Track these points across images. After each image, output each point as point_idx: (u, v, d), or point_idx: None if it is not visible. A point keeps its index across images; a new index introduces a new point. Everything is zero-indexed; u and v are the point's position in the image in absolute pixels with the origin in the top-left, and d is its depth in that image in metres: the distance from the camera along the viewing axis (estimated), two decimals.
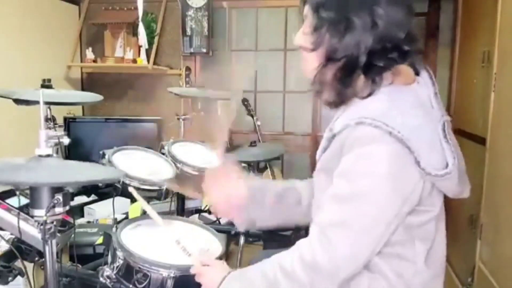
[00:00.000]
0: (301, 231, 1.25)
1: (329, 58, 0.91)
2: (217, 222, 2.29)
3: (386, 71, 0.89)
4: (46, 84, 1.71)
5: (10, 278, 1.28)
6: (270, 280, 0.91)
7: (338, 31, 0.88)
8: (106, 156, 1.64)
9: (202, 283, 1.08)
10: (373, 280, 0.93)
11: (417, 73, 0.95)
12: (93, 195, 2.98)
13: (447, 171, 0.83)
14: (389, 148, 0.81)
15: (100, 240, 2.10)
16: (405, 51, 0.89)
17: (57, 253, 1.12)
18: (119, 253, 1.24)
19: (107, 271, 1.25)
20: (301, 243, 0.91)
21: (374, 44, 0.87)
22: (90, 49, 3.42)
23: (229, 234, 2.09)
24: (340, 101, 0.93)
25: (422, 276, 0.94)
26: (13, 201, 1.26)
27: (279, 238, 2.24)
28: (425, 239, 0.94)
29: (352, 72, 0.89)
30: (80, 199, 2.90)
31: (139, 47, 3.29)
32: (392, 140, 0.81)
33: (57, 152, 1.21)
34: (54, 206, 1.03)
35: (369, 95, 0.89)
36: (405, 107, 0.86)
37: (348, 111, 0.91)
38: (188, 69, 3.34)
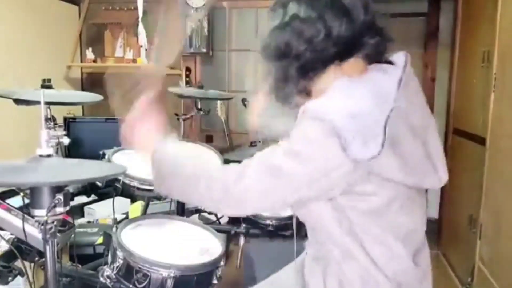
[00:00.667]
0: (301, 230, 1.24)
1: (275, 58, 0.96)
2: (217, 222, 2.28)
3: (321, 72, 0.92)
4: (46, 84, 1.71)
5: (10, 278, 1.28)
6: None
7: (273, 31, 0.93)
8: (106, 156, 1.65)
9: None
10: (351, 267, 0.95)
11: (388, 62, 0.95)
12: (93, 195, 2.98)
13: (371, 156, 0.84)
14: (319, 128, 0.85)
15: (100, 240, 2.10)
16: (347, 49, 0.91)
17: (57, 253, 1.12)
18: (119, 253, 1.24)
19: (107, 271, 1.26)
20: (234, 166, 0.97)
21: (305, 47, 0.89)
22: (90, 49, 3.42)
23: (229, 234, 2.09)
24: (287, 99, 0.99)
25: (398, 265, 0.95)
26: (14, 201, 1.26)
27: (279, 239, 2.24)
28: (396, 231, 0.94)
29: (289, 73, 0.93)
30: (80, 199, 2.90)
31: (139, 47, 3.30)
32: (325, 125, 0.85)
33: (56, 152, 1.21)
34: (55, 206, 1.03)
35: (318, 92, 0.92)
36: (349, 96, 0.88)
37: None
38: (188, 69, 3.34)
